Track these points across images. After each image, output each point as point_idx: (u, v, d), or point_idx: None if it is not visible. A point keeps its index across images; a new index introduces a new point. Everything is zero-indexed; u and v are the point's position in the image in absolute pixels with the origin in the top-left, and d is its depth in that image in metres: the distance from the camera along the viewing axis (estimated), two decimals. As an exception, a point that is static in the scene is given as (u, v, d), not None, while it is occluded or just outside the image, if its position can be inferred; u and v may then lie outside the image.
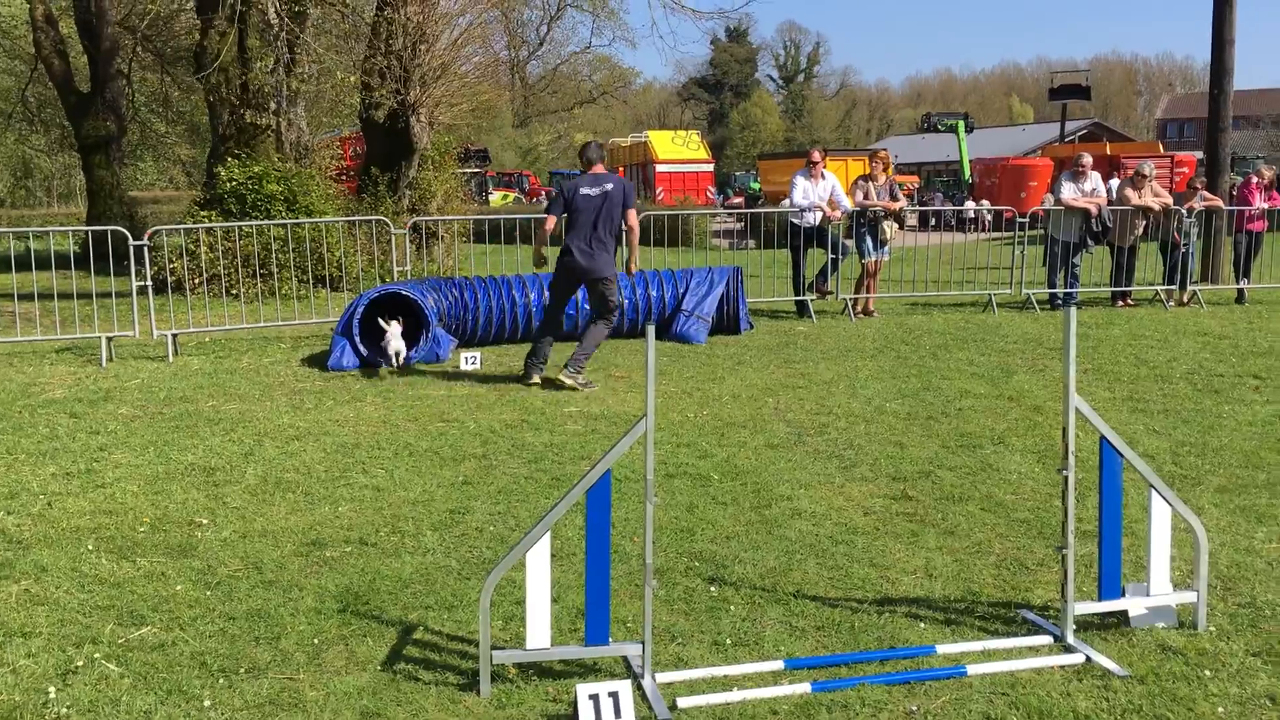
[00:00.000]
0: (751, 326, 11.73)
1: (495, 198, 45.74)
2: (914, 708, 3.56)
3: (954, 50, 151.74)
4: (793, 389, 8.61)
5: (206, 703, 3.60)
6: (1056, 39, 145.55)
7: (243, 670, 3.83)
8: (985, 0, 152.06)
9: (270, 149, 16.03)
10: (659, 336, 11.00)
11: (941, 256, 17.70)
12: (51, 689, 3.68)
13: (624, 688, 3.53)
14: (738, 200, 41.93)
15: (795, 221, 12.75)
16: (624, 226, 8.59)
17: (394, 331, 9.01)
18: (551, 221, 8.69)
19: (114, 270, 12.48)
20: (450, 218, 16.60)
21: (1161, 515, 4.13)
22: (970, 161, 41.86)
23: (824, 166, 13.06)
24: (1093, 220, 13.17)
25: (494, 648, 3.75)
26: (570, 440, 6.98)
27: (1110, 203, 13.50)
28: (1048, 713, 3.52)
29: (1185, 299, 13.87)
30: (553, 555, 4.82)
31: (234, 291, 12.92)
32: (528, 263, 14.34)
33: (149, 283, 10.16)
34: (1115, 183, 15.05)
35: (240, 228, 12.82)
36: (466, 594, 4.48)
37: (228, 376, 9.19)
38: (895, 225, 13.01)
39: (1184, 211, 13.64)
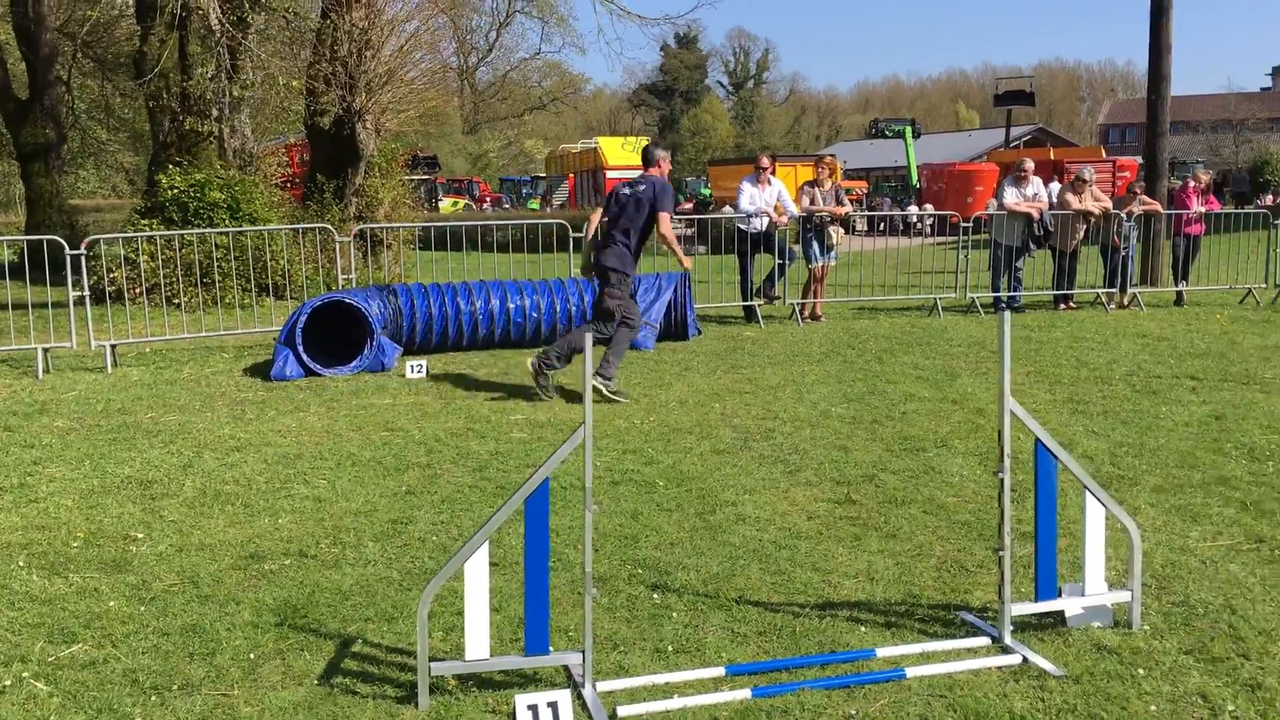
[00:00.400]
0: (699, 332, 11.75)
1: (445, 205, 45.54)
2: (853, 711, 3.58)
3: (902, 57, 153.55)
4: (739, 394, 8.63)
5: (138, 721, 3.54)
6: (1002, 46, 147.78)
7: (175, 687, 3.76)
8: (932, 8, 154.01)
9: (213, 156, 15.83)
10: (607, 342, 10.97)
11: (888, 261, 17.84)
12: (-23, 710, 3.59)
13: (563, 697, 3.50)
14: (688, 206, 42.02)
15: (742, 227, 12.81)
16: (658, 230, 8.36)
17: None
18: (594, 217, 8.79)
19: (51, 280, 12.25)
20: (397, 225, 16.48)
21: (1096, 516, 4.19)
22: (918, 167, 42.35)
23: (772, 173, 13.14)
24: (1035, 224, 13.36)
25: (433, 659, 3.72)
26: (516, 448, 6.95)
27: (1051, 207, 13.69)
28: (984, 714, 3.54)
29: (1125, 301, 14.09)
30: (495, 564, 4.81)
31: (176, 301, 12.74)
32: (475, 270, 14.29)
33: (87, 293, 9.99)
34: (1056, 187, 15.25)
35: (182, 236, 12.63)
36: (407, 605, 4.43)
37: (168, 387, 9.05)
38: (841, 230, 13.11)
39: (1123, 215, 13.86)
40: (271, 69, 16.69)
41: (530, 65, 53.90)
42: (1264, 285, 14.90)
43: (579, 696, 3.66)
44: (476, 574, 3.61)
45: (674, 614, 4.37)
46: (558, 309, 10.74)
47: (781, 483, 6.20)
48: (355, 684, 3.77)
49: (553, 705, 3.48)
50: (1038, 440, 4.09)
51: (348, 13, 15.93)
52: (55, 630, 4.22)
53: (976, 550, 5.06)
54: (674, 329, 11.30)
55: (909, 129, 43.86)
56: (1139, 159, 33.02)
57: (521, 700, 3.47)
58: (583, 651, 3.69)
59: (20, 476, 6.36)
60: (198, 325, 11.51)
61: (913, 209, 32.42)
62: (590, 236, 8.94)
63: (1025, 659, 3.91)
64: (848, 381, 9.12)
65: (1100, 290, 14.16)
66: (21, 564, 4.93)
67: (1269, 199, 42.39)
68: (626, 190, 8.41)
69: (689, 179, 60.94)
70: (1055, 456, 4.10)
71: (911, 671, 3.83)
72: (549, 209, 41.58)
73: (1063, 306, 13.82)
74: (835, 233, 12.90)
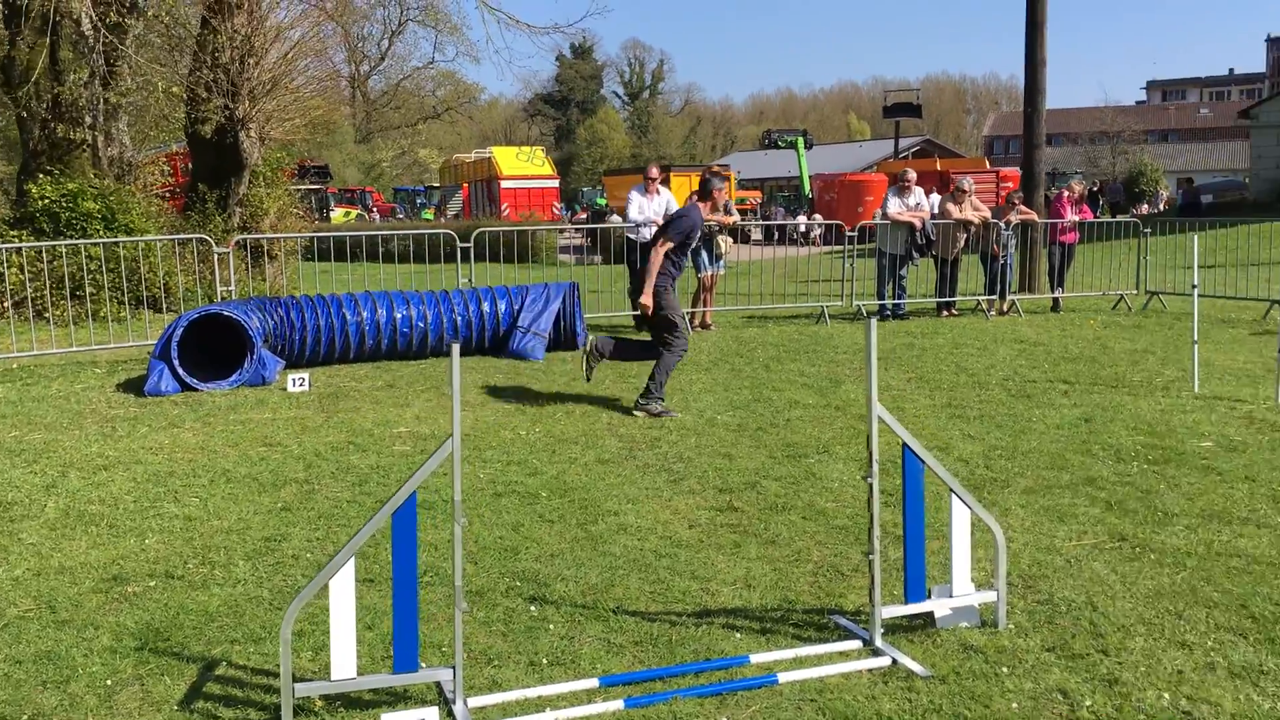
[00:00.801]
0: (589, 342, 11.73)
1: (337, 215, 44.77)
2: (724, 718, 3.59)
3: (795, 69, 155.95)
4: (627, 403, 8.63)
5: (-18, 755, 3.38)
6: (891, 60, 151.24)
7: (26, 717, 3.60)
8: (824, 21, 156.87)
9: (86, 165, 15.30)
10: (496, 353, 10.91)
11: (777, 270, 18.06)
12: None
13: (431, 715, 3.45)
14: (583, 216, 42.07)
15: (631, 237, 12.84)
16: None
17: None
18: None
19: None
20: (281, 235, 16.14)
21: (962, 519, 4.28)
22: (810, 177, 43.03)
23: (662, 183, 13.20)
24: (917, 233, 13.67)
25: (299, 680, 3.63)
26: (398, 462, 6.84)
27: (934, 217, 14.03)
28: (852, 716, 3.59)
29: (1005, 308, 14.50)
30: (370, 580, 4.73)
31: (46, 315, 12.26)
32: (365, 281, 14.05)
33: (-52, 307, 9.56)
34: (937, 197, 15.62)
35: (54, 248, 12.17)
36: (276, 625, 4.32)
37: (34, 404, 8.70)
38: (730, 240, 13.24)
39: (1002, 225, 14.26)
40: (151, 75, 16.21)
41: (424, 74, 53.47)
42: (1135, 291, 15.47)
43: (450, 714, 3.61)
44: (342, 591, 3.53)
45: (551, 626, 4.34)
46: (444, 320, 10.62)
47: (665, 491, 6.22)
48: (217, 708, 3.66)
49: (421, 723, 3.42)
50: (905, 445, 4.17)
51: (229, 19, 15.55)
52: (-103, 662, 4.01)
53: (852, 554, 5.13)
54: (564, 339, 11.27)
55: (801, 140, 44.54)
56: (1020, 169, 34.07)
57: (388, 719, 3.40)
58: (454, 667, 3.64)
59: None
60: (68, 340, 11.10)
61: (801, 218, 32.95)
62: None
63: (895, 661, 3.98)
64: (734, 389, 9.20)
65: (981, 297, 14.54)
66: None
67: (1144, 208, 44.10)
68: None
69: (585, 189, 61.06)
70: (922, 461, 4.18)
71: (784, 676, 3.86)
72: (443, 219, 41.18)
73: (945, 313, 14.15)
74: (724, 242, 13.01)
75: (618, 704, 3.66)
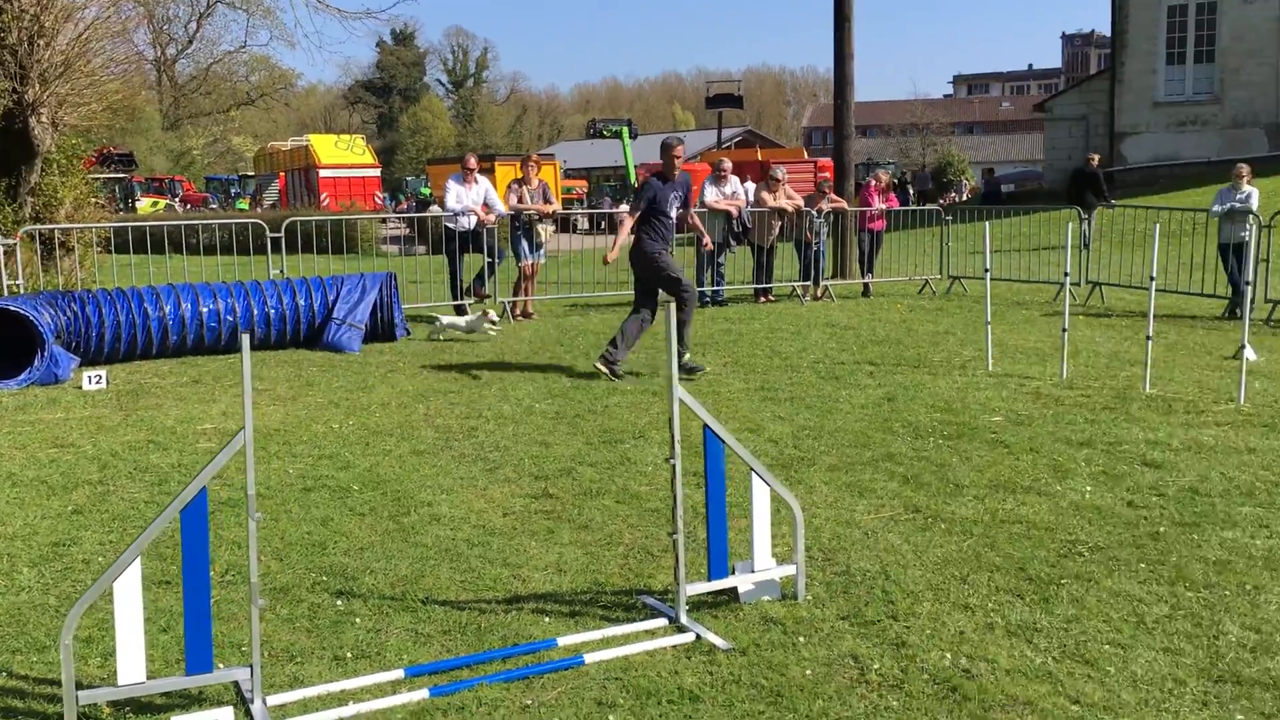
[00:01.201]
0: (409, 333, 11.56)
1: (144, 205, 42.72)
2: (529, 702, 3.62)
3: (620, 59, 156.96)
4: (444, 394, 8.56)
5: None
6: (714, 51, 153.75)
7: None
8: (648, 12, 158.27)
9: None
10: (310, 346, 10.64)
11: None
12: None
13: (225, 715, 3.36)
14: (403, 206, 41.36)
15: (450, 226, 12.71)
16: None
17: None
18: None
19: None
20: (78, 225, 15.29)
21: (762, 496, 4.41)
22: (636, 167, 43.36)
23: (482, 171, 13.11)
24: (734, 221, 13.98)
25: (83, 687, 3.47)
26: (201, 459, 6.60)
27: (749, 205, 14.37)
28: (655, 692, 3.67)
29: (819, 294, 14.97)
30: (168, 582, 4.56)
31: None
32: (174, 274, 13.47)
33: None
34: (753, 185, 16.01)
35: None
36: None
37: None
38: (550, 228, 13.25)
39: (814, 213, 14.72)
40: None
41: (236, 59, 51.57)
42: (939, 276, 16.19)
43: (247, 713, 3.52)
44: (127, 593, 3.40)
45: (358, 620, 4.28)
46: (255, 313, 10.29)
47: (480, 481, 6.19)
48: (-6, 722, 3.47)
49: (215, 724, 3.32)
50: (706, 426, 4.28)
51: (15, -4, 14.60)
52: None
53: (663, 536, 5.23)
54: (381, 330, 11.07)
55: (625, 129, 44.82)
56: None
57: (180, 722, 3.30)
58: (251, 666, 3.55)
59: None
60: None
61: (623, 207, 33.23)
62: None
63: (698, 636, 4.08)
64: (554, 377, 9.23)
65: (796, 283, 14.98)
66: None
67: (951, 196, 46.21)
68: None
69: (409, 178, 59.96)
70: (723, 441, 4.30)
71: (590, 657, 3.91)
72: (259, 209, 39.79)
73: (762, 299, 14.52)
74: (544, 230, 13.02)
75: (423, 693, 3.64)
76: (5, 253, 10.78)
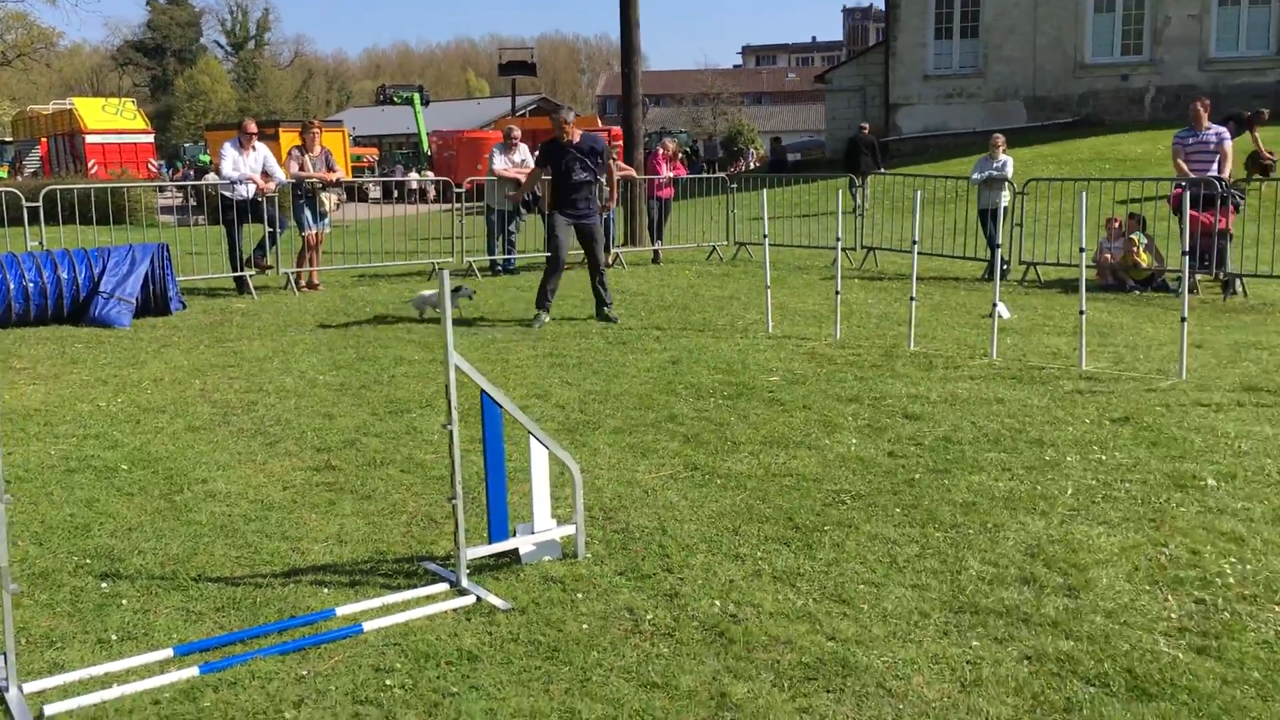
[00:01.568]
0: (184, 306, 11.09)
1: (-114, 173, 39.14)
2: (305, 673, 3.60)
3: (410, 24, 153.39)
4: (223, 369, 8.28)
5: None
6: (508, 17, 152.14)
7: None
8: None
9: None
10: (75, 322, 10.07)
11: (395, 228, 17.89)
12: None
13: (-25, 707, 3.21)
14: (181, 174, 39.39)
15: (227, 194, 12.23)
16: None
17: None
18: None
19: None
20: None
21: (540, 458, 4.49)
22: (429, 134, 42.65)
23: (259, 138, 12.64)
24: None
25: None
26: (-49, 444, 6.19)
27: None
28: (434, 654, 3.71)
29: (610, 261, 15.14)
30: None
31: None
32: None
33: None
34: (543, 154, 16.01)
35: None
36: None
37: None
38: (335, 197, 12.92)
39: (602, 181, 14.84)
40: None
41: (-12, 14, 47.68)
42: (726, 243, 16.67)
43: (2, 701, 3.37)
44: None
45: (124, 601, 4.14)
46: (12, 287, 9.66)
47: (259, 455, 6.05)
48: None
49: (-36, 717, 3.17)
50: (483, 392, 4.32)
51: None
52: None
53: (446, 504, 5.25)
54: (154, 303, 10.58)
55: (417, 96, 44.02)
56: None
57: (-76, 718, 3.13)
58: (3, 653, 3.40)
59: None
60: None
61: (413, 175, 32.77)
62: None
63: (479, 598, 4.14)
64: (339, 349, 9.05)
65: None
66: None
67: (740, 164, 47.43)
68: None
69: (187, 144, 57.10)
70: (500, 406, 4.35)
71: (370, 625, 3.92)
72: (19, 177, 37.07)
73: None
74: (328, 200, 12.69)
75: (192, 671, 3.57)
76: None
